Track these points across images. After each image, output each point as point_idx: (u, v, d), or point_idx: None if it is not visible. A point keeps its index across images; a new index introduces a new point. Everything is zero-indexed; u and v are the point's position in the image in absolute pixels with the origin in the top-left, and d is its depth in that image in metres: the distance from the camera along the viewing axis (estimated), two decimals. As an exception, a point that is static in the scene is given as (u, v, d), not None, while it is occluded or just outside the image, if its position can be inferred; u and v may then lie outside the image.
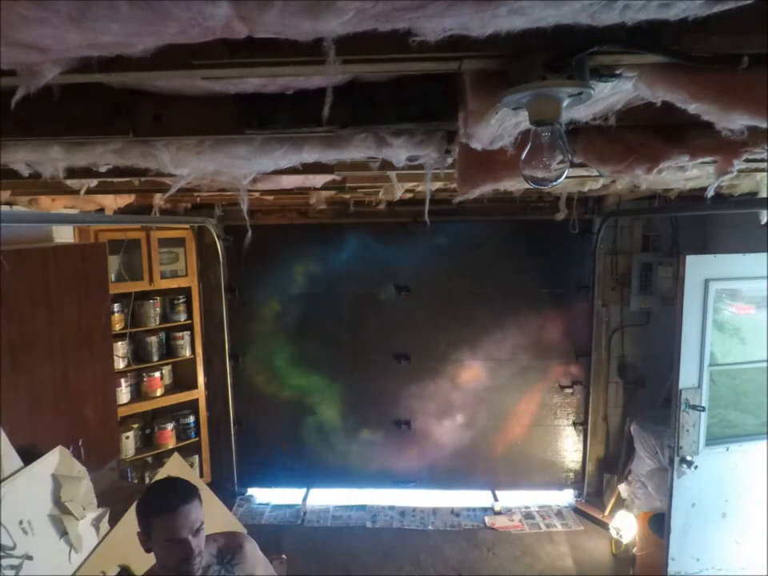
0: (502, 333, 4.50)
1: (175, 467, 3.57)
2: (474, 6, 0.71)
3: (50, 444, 2.79)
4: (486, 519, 4.34)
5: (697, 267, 3.00)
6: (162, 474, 3.41)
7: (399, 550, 3.99)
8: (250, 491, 4.82)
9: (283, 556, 3.45)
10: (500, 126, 1.24)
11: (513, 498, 4.63)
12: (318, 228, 4.44)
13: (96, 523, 2.81)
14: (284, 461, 4.67)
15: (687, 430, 3.08)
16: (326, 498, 4.72)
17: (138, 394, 4.30)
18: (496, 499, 4.55)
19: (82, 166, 1.76)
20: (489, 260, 4.37)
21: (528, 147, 1.11)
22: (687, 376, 3.07)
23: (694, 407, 3.07)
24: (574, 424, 4.55)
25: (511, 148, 1.35)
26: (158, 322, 4.31)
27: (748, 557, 3.32)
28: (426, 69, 1.06)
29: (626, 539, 3.84)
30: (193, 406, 4.55)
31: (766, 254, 3.04)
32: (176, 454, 3.73)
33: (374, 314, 4.49)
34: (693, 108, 1.08)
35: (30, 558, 2.37)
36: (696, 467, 3.09)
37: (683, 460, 3.09)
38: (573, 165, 1.68)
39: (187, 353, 4.47)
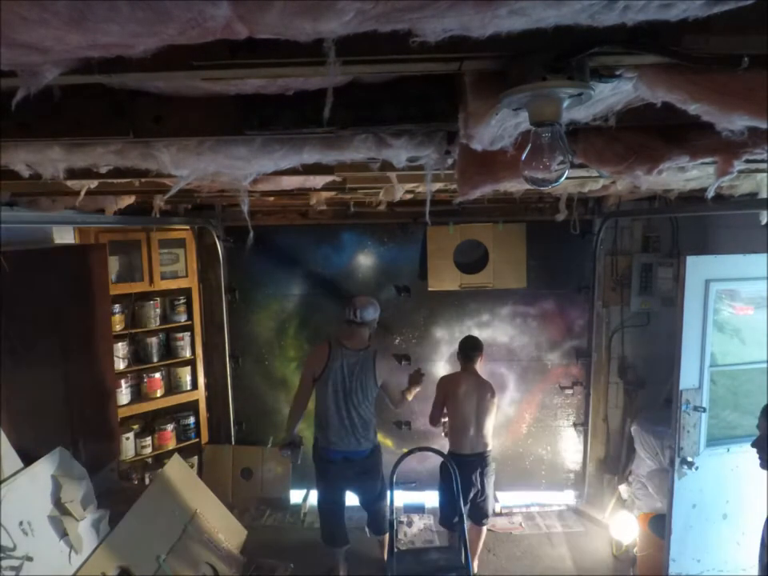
0: (502, 333, 4.50)
1: (175, 468, 3.57)
2: (474, 7, 0.71)
3: (50, 445, 2.79)
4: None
5: (697, 268, 3.00)
6: (162, 474, 3.42)
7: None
8: (250, 492, 4.80)
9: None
10: (500, 126, 1.24)
11: (513, 499, 4.62)
12: (318, 229, 4.44)
13: (96, 524, 2.81)
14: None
15: (688, 431, 3.08)
16: (326, 498, 4.71)
17: (138, 394, 4.30)
18: (496, 500, 4.53)
19: (82, 167, 1.76)
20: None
21: (528, 148, 1.11)
22: (688, 377, 3.06)
23: (695, 408, 3.06)
24: (575, 425, 4.55)
25: (511, 149, 1.35)
26: (158, 323, 4.30)
27: (749, 558, 3.31)
28: (426, 69, 1.06)
29: (626, 540, 3.83)
30: (193, 406, 4.55)
31: (765, 254, 3.03)
32: (176, 455, 3.74)
33: (374, 315, 4.49)
34: (693, 109, 1.08)
35: (30, 559, 2.37)
36: (697, 468, 3.09)
37: (684, 461, 3.09)
38: (573, 166, 1.68)
39: (187, 354, 4.47)
